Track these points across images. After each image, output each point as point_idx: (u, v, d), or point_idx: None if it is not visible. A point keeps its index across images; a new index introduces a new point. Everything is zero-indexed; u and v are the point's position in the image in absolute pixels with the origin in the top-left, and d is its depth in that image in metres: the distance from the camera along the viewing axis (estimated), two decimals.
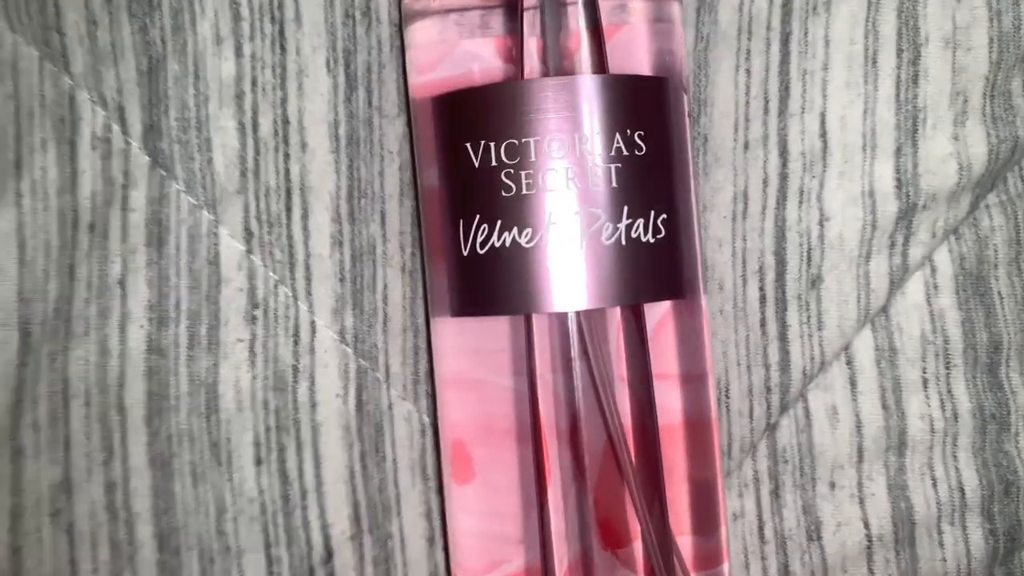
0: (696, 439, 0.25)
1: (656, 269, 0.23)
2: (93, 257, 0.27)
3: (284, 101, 0.27)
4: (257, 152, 0.27)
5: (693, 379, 0.25)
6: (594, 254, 0.22)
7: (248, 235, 0.27)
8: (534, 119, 0.22)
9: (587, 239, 0.22)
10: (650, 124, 0.23)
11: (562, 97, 0.22)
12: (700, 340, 0.25)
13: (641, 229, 0.22)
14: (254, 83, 0.27)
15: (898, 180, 0.27)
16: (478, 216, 0.23)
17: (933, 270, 0.27)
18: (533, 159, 0.22)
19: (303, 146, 0.27)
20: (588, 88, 0.22)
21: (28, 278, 0.27)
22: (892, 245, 0.27)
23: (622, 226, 0.22)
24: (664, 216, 0.23)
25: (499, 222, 0.22)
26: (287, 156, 0.27)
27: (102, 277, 0.27)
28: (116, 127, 0.27)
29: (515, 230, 0.22)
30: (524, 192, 0.22)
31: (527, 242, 0.22)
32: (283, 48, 0.27)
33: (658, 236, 0.23)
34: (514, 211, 0.22)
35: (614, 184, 0.22)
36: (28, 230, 0.27)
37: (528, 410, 0.24)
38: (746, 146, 0.27)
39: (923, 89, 0.26)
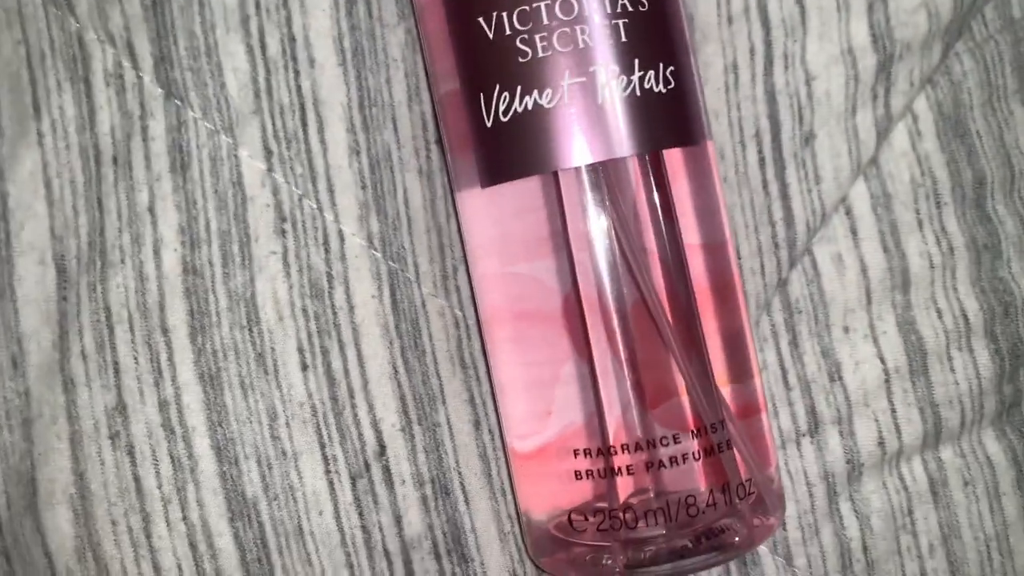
0: (722, 291, 0.27)
1: (671, 117, 0.24)
2: (120, 188, 0.28)
3: (288, 20, 0.28)
4: (268, 72, 0.28)
5: (711, 232, 0.26)
6: (612, 107, 0.23)
7: (268, 153, 0.28)
8: None
9: (604, 93, 0.23)
10: None
11: None
12: (713, 189, 0.26)
13: (653, 80, 0.24)
14: (258, 6, 0.28)
15: (873, 35, 0.28)
16: (498, 86, 0.24)
17: (915, 118, 0.29)
18: (545, 22, 0.23)
19: (311, 62, 0.28)
20: None
21: (58, 215, 0.28)
22: (875, 97, 0.29)
23: (635, 78, 0.24)
24: (672, 68, 0.24)
25: (519, 88, 0.23)
26: (297, 73, 0.28)
27: (131, 206, 0.28)
28: (127, 63, 0.28)
29: (535, 93, 0.23)
30: (540, 55, 0.23)
31: (548, 103, 0.23)
32: None
33: (668, 87, 0.24)
34: (532, 75, 0.23)
35: (623, 39, 0.23)
36: (52, 169, 0.28)
37: (568, 281, 0.25)
38: (730, 20, 0.29)
39: None
